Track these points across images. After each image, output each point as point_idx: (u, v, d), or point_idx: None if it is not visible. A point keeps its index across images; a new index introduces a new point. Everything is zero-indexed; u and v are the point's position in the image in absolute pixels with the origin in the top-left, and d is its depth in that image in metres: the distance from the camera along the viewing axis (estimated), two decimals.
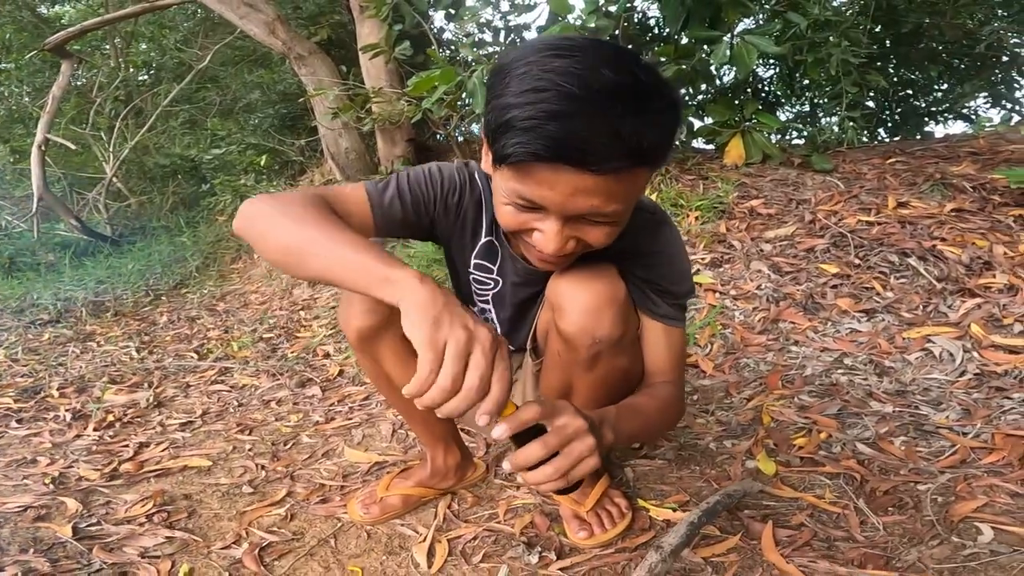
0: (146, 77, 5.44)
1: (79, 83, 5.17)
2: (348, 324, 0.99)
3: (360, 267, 0.67)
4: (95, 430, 1.77)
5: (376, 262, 0.66)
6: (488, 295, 1.05)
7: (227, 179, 4.03)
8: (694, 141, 3.43)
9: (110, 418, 1.85)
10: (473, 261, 1.01)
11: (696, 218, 2.45)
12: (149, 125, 4.57)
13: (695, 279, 2.06)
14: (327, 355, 2.25)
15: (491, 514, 1.19)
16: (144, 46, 5.30)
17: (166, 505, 1.31)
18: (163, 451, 1.61)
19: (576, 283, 0.88)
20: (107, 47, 5.28)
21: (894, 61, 4.49)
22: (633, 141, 0.63)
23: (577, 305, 0.87)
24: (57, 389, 2.14)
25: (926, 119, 5.03)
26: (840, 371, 1.55)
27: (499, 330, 1.09)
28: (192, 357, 2.42)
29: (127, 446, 1.64)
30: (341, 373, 2.07)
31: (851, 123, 2.97)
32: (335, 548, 1.14)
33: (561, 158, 0.63)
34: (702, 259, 2.18)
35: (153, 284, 3.51)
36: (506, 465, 0.67)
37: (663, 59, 3.07)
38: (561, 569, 1.03)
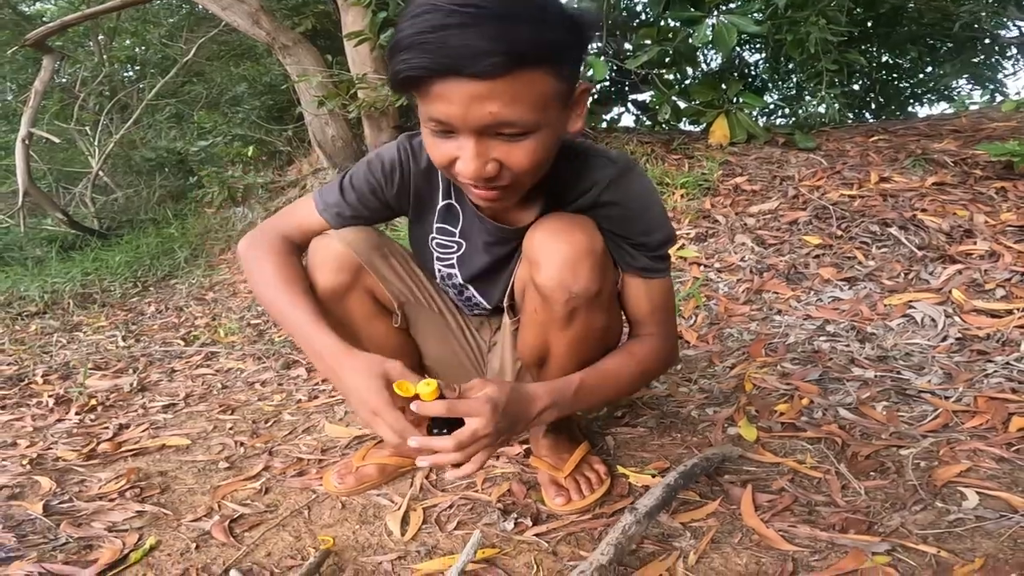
0: (131, 73, 5.39)
1: (62, 79, 5.12)
2: (315, 283, 0.98)
3: (305, 348, 0.87)
4: (76, 414, 1.76)
5: (312, 357, 0.86)
6: (452, 259, 1.04)
7: (214, 171, 4.00)
8: (679, 123, 3.43)
9: (92, 402, 1.83)
10: (435, 226, 1.01)
11: (682, 195, 2.45)
12: (134, 119, 4.53)
13: (680, 253, 2.05)
14: None
15: (468, 483, 1.18)
16: (128, 41, 5.26)
17: (140, 482, 1.30)
18: (143, 432, 1.59)
19: (552, 235, 0.87)
20: (90, 43, 5.23)
21: (875, 42, 4.51)
22: (504, 41, 0.65)
23: (554, 258, 0.86)
24: (41, 376, 2.12)
25: (911, 100, 5.05)
26: (823, 338, 1.55)
27: (463, 292, 1.08)
28: (179, 344, 2.40)
29: (107, 428, 1.63)
30: None
31: (832, 99, 2.97)
32: (308, 519, 1.12)
33: (443, 67, 0.67)
34: (687, 234, 2.17)
35: (141, 276, 3.48)
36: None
37: (647, 41, 3.06)
38: (537, 535, 1.02)
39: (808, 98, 4.45)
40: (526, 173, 0.77)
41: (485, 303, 1.09)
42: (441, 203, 0.99)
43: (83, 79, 4.84)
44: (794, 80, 4.84)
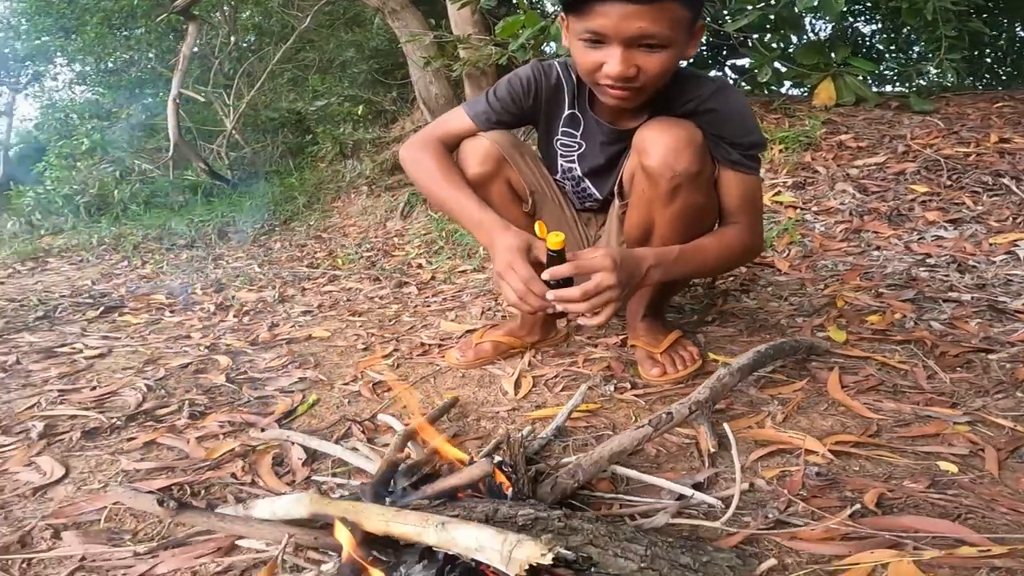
0: (246, 43, 5.87)
1: (193, 49, 5.66)
2: (466, 172, 1.19)
3: (467, 223, 1.09)
4: (235, 316, 2.07)
5: (474, 228, 1.07)
6: (573, 155, 1.23)
7: (328, 129, 4.38)
8: (780, 86, 3.38)
9: (246, 308, 2.15)
10: (560, 129, 1.21)
11: (780, 150, 2.47)
12: (259, 85, 5.00)
13: (776, 198, 2.10)
14: (420, 266, 2.48)
15: (571, 362, 1.35)
16: (247, 13, 5.72)
17: (296, 359, 1.56)
18: (291, 328, 1.87)
19: (659, 130, 1.04)
20: (217, 15, 5.76)
21: (1009, 16, 4.22)
22: None
23: (660, 145, 1.03)
24: (200, 289, 2.49)
25: None
26: (922, 269, 1.57)
27: (580, 183, 1.26)
28: (305, 270, 2.72)
29: (262, 325, 1.92)
30: (434, 278, 2.28)
31: (952, 65, 2.83)
32: (434, 384, 1.33)
33: None
34: (784, 182, 2.20)
35: (267, 219, 3.91)
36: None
37: (748, 7, 3.04)
38: (635, 396, 1.17)
39: (926, 64, 4.22)
40: (656, 78, 0.96)
41: (597, 194, 1.27)
42: (567, 112, 1.19)
43: (218, 46, 5.37)
44: (915, 51, 4.59)
